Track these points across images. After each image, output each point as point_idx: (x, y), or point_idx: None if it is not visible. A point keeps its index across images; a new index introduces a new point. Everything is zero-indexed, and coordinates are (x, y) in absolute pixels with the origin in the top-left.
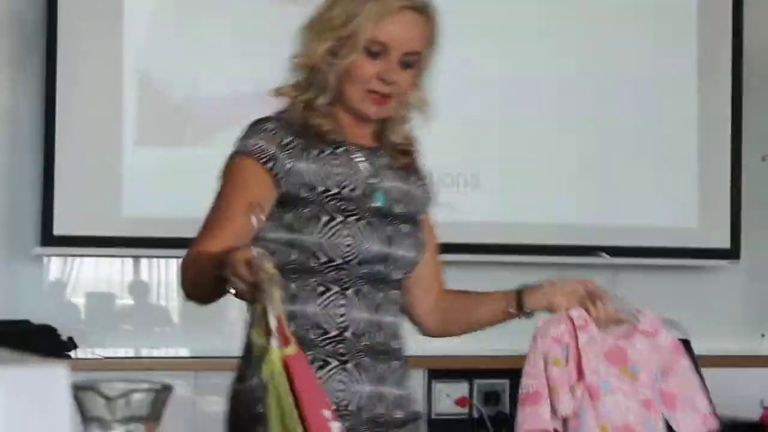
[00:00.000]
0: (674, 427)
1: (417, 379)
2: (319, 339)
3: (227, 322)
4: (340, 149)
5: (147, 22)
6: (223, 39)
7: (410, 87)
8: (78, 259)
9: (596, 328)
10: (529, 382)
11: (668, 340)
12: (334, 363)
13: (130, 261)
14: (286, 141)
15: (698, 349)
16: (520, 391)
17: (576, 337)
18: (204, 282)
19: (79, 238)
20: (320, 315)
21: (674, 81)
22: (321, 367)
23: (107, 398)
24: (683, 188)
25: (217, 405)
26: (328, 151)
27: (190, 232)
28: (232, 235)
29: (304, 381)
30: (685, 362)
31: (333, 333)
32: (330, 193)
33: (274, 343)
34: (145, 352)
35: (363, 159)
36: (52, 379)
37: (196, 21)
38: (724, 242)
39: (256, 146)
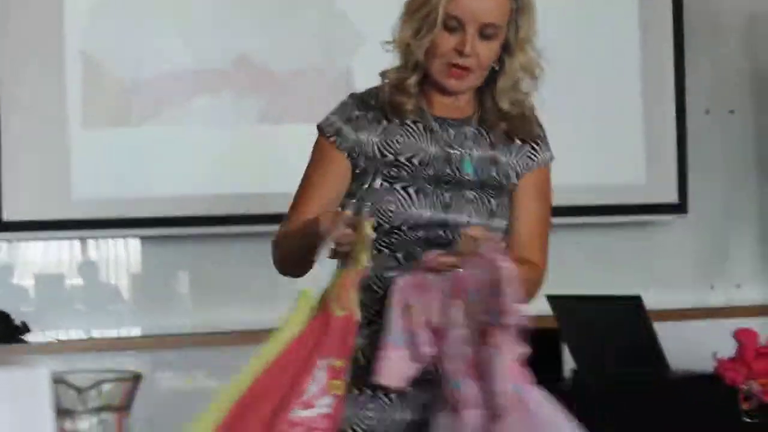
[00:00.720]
0: None
1: None
2: (369, 299)
3: (178, 299)
4: (416, 122)
5: (88, 3)
6: (165, 18)
7: (491, 58)
8: (25, 242)
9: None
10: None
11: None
12: (381, 322)
13: (77, 242)
14: (354, 114)
15: (649, 303)
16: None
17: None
18: (297, 254)
19: (29, 223)
20: (371, 277)
21: (616, 38)
22: (368, 325)
23: (78, 390)
24: (629, 145)
25: (172, 381)
26: (396, 122)
27: (142, 212)
28: (315, 211)
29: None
30: (506, 270)
31: (380, 293)
32: (385, 160)
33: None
34: (96, 333)
35: (442, 130)
36: (34, 380)
37: (137, 0)
38: (671, 197)
39: (327, 121)
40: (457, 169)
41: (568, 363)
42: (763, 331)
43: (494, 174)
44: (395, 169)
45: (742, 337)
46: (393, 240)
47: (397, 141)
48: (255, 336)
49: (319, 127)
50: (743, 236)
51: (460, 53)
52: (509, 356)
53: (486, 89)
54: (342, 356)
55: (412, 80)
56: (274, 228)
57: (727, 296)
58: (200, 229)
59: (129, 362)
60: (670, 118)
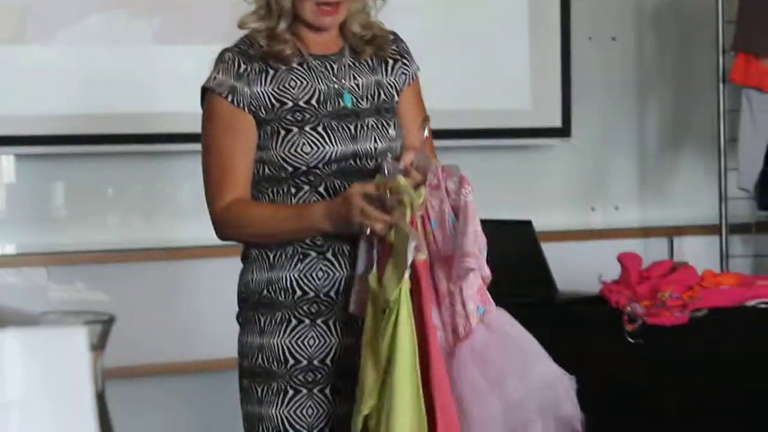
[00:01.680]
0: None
1: None
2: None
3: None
4: (300, 65)
5: None
6: None
7: None
8: None
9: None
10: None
11: (454, 184)
12: (313, 254)
13: None
14: (242, 69)
15: (535, 225)
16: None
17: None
18: (286, 237)
19: None
20: None
21: None
22: (301, 259)
23: None
24: (514, 70)
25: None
26: (283, 69)
27: (35, 130)
28: (241, 185)
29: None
30: (469, 197)
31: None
32: (286, 107)
33: (406, 274)
34: None
35: (324, 67)
36: (71, 340)
37: None
38: (555, 121)
39: (216, 80)
40: (341, 99)
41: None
42: (642, 252)
43: (384, 97)
44: (298, 113)
45: (625, 260)
46: (311, 178)
47: (290, 86)
48: (127, 255)
49: (209, 89)
50: (622, 160)
51: None
52: (475, 281)
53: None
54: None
55: (282, 26)
56: (158, 148)
57: (606, 218)
58: (85, 147)
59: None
60: (555, 45)
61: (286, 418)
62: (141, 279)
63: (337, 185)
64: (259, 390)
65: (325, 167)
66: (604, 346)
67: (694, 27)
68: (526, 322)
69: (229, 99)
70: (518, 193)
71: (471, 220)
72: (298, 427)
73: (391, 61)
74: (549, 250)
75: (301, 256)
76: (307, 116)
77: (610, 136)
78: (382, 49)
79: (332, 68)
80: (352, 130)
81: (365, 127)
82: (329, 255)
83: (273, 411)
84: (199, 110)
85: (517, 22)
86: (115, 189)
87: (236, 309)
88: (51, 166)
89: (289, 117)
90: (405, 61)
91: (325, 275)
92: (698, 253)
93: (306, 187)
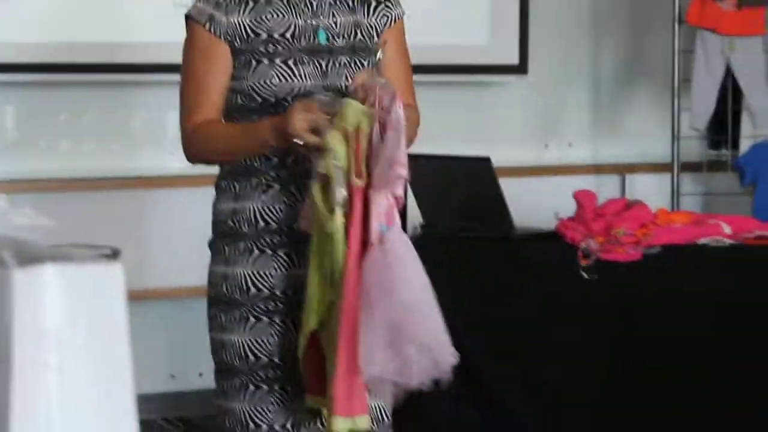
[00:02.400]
0: None
1: None
2: (262, 165)
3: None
4: None
5: None
6: None
7: None
8: None
9: None
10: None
11: (387, 103)
12: (277, 187)
13: None
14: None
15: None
16: None
17: None
18: (238, 154)
19: None
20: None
21: None
22: (264, 191)
23: None
24: (473, 6)
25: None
26: (262, 1)
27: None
28: (211, 106)
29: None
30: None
31: (274, 161)
32: (260, 38)
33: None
34: None
35: (303, 3)
36: (109, 277)
37: None
38: (512, 58)
39: (196, 9)
40: (316, 37)
41: (412, 219)
42: (595, 189)
43: (360, 37)
44: (272, 46)
45: (581, 197)
46: (279, 111)
47: (266, 18)
48: (80, 183)
49: (190, 16)
50: (577, 98)
51: None
52: (385, 198)
53: None
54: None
55: None
56: (129, 78)
57: (560, 155)
58: (62, 76)
59: None
60: None
61: (247, 344)
62: (105, 207)
63: None
64: (223, 317)
65: (293, 101)
66: (559, 281)
67: None
68: (483, 257)
69: (207, 27)
70: (473, 129)
71: (403, 135)
72: (257, 353)
73: (374, 3)
74: (504, 186)
75: (264, 188)
76: (280, 49)
77: (564, 74)
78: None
79: (311, 4)
80: (323, 67)
81: (337, 64)
82: (292, 188)
83: (235, 337)
84: (153, 41)
85: None
86: (69, 117)
87: (186, 240)
88: (3, 94)
89: (261, 48)
90: (389, 3)
91: (288, 208)
92: (650, 191)
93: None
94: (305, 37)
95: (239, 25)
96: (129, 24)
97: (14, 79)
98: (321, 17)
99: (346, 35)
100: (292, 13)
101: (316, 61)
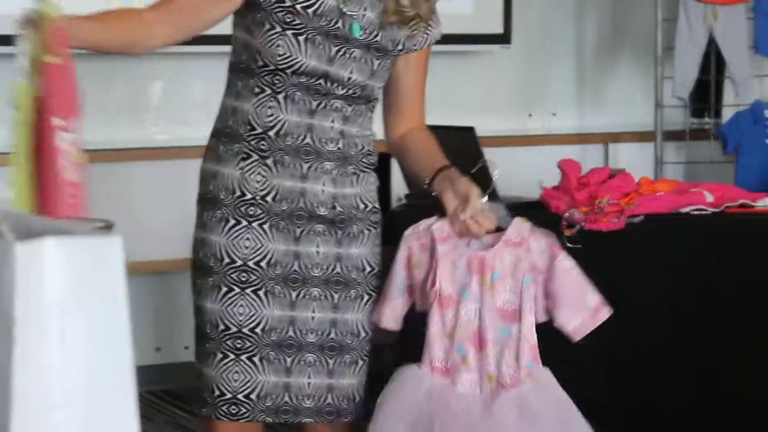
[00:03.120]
0: (559, 325)
1: None
2: (246, 134)
3: None
4: None
5: None
6: None
7: None
8: None
9: (460, 238)
10: (385, 282)
11: (542, 245)
12: (255, 157)
13: None
14: None
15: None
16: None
17: (435, 249)
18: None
19: None
20: (252, 113)
21: None
22: (244, 159)
23: None
24: None
25: None
26: None
27: None
28: (176, 10)
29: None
30: (565, 263)
31: (258, 130)
32: (283, 5)
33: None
34: None
35: None
36: (108, 249)
37: None
38: (496, 28)
39: None
40: (348, 26)
41: (397, 191)
42: (578, 158)
43: (380, 39)
44: (290, 16)
45: (565, 167)
46: (276, 81)
47: None
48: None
49: None
50: (560, 67)
51: None
52: (531, 339)
53: None
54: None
55: None
56: None
57: (544, 124)
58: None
59: None
60: None
61: (218, 313)
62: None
63: (296, 98)
64: (199, 282)
65: (293, 75)
66: None
67: None
68: (496, 194)
69: None
70: (457, 99)
71: (574, 287)
72: (227, 323)
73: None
74: (488, 155)
75: (244, 156)
76: (296, 21)
77: (548, 44)
78: (412, 30)
79: None
80: (332, 52)
81: (347, 55)
82: (269, 161)
83: (207, 304)
84: None
85: None
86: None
87: (170, 213)
88: None
89: (279, 14)
90: (430, 23)
91: (263, 179)
92: (633, 159)
93: (268, 90)
94: (328, 18)
95: None
96: None
97: None
98: (350, 4)
99: (369, 32)
100: None
101: (327, 45)
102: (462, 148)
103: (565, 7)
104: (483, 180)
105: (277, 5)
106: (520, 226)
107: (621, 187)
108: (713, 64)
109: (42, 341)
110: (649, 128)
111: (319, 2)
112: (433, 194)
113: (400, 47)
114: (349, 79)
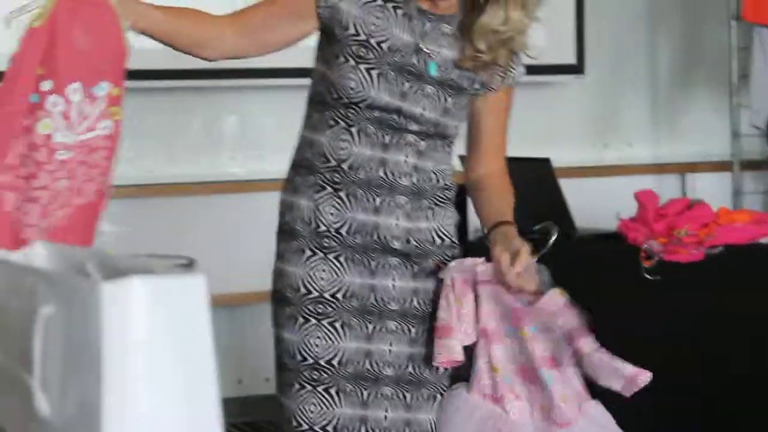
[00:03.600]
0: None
1: None
2: (321, 166)
3: None
4: (397, 7)
5: None
6: None
7: None
8: None
9: (501, 287)
10: (441, 315)
11: (569, 327)
12: (329, 189)
13: None
14: None
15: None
16: (435, 323)
17: (477, 287)
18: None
19: None
20: (326, 145)
21: None
22: (318, 191)
23: None
24: None
25: None
26: (379, 2)
27: None
28: (245, 17)
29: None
30: (588, 349)
31: (332, 163)
32: (357, 38)
33: None
34: None
35: (421, 21)
36: (193, 288)
37: None
38: (569, 58)
39: None
40: (424, 63)
41: (474, 223)
42: (655, 188)
43: (455, 77)
44: (364, 50)
45: (642, 198)
46: (349, 114)
47: (373, 22)
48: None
49: None
50: (635, 97)
51: None
52: (575, 384)
53: (473, 7)
54: (119, 83)
55: None
56: (187, 83)
57: (619, 154)
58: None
59: None
60: None
61: (296, 343)
62: (168, 213)
63: (370, 131)
64: (278, 313)
65: (367, 110)
66: (622, 283)
67: None
68: (545, 259)
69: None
70: (532, 130)
71: (602, 368)
72: (305, 354)
73: (482, 74)
74: (563, 186)
75: (318, 188)
76: (370, 56)
77: (622, 73)
78: (486, 69)
79: (427, 26)
80: (405, 88)
81: (419, 92)
82: (342, 194)
83: (286, 335)
84: None
85: None
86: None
87: (251, 245)
88: None
89: (353, 48)
90: (509, 65)
91: (337, 212)
92: (710, 190)
93: (342, 123)
94: (404, 55)
95: (345, 13)
96: None
97: None
98: (428, 41)
99: (444, 69)
100: (401, 26)
101: (399, 81)
102: (538, 179)
103: (638, 36)
104: (540, 240)
105: (351, 38)
106: (556, 298)
107: (699, 218)
108: None
109: (129, 379)
110: (727, 158)
111: (394, 37)
112: (487, 243)
113: (477, 86)
114: (422, 115)
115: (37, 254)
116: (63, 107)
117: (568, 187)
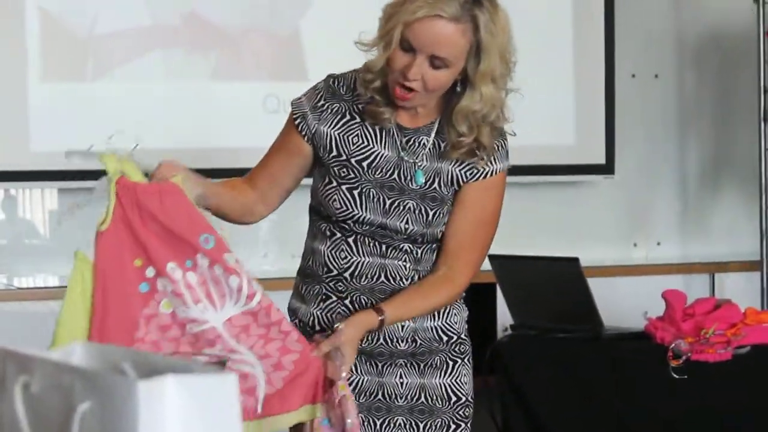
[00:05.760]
0: None
1: None
2: (324, 275)
3: None
4: (376, 125)
5: None
6: None
7: (440, 85)
8: None
9: None
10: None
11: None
12: (334, 298)
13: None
14: (320, 103)
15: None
16: None
17: None
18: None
19: None
20: (327, 254)
21: (551, 7)
22: (323, 300)
23: None
24: (559, 107)
25: None
26: (357, 121)
27: (97, 164)
28: (266, 176)
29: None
30: None
31: (334, 272)
32: (339, 159)
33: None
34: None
35: (398, 135)
36: (224, 386)
37: None
38: (599, 158)
39: (299, 101)
40: (408, 177)
41: (502, 321)
42: (683, 287)
43: (436, 185)
44: (345, 170)
45: (670, 297)
46: (344, 227)
47: (353, 141)
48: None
49: (292, 103)
50: (664, 196)
51: (405, 76)
52: None
53: (450, 101)
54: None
55: (377, 84)
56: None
57: (648, 253)
58: None
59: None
60: (599, 82)
61: None
62: None
63: (367, 241)
64: None
65: (356, 224)
66: (650, 381)
67: (735, 65)
68: (574, 358)
69: (296, 122)
70: (562, 229)
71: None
72: None
73: (467, 157)
74: (592, 285)
75: (324, 297)
76: (351, 175)
77: (651, 173)
78: (472, 156)
79: (403, 139)
80: (386, 205)
81: (401, 206)
82: (347, 302)
83: None
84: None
85: (563, 59)
86: None
87: None
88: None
89: (335, 169)
90: (491, 159)
91: (344, 319)
92: (739, 289)
93: (338, 234)
94: (386, 170)
95: (326, 136)
96: (218, 129)
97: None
98: (410, 154)
99: (428, 178)
100: (381, 142)
101: (382, 197)
102: (566, 278)
103: (667, 137)
104: None
105: (334, 159)
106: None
107: (727, 318)
108: None
109: None
110: (755, 257)
111: (374, 155)
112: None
113: (451, 185)
114: (406, 229)
115: (76, 353)
116: (171, 287)
117: (598, 285)
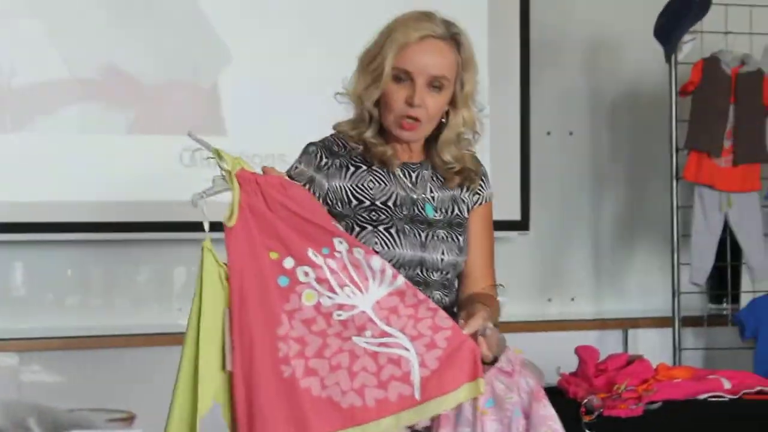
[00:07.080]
0: None
1: None
2: None
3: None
4: (381, 168)
5: None
6: (36, 27)
7: (439, 110)
8: None
9: None
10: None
11: (530, 385)
12: None
13: None
14: (323, 163)
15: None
16: None
17: None
18: None
19: None
20: None
21: None
22: None
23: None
24: None
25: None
26: (363, 168)
27: (19, 216)
28: None
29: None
30: (544, 411)
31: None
32: (363, 205)
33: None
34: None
35: (405, 174)
36: None
37: (8, 10)
38: (514, 214)
39: (296, 170)
40: (422, 209)
41: None
42: (597, 343)
43: (457, 212)
44: (374, 213)
45: (583, 353)
46: None
47: (368, 186)
48: (87, 341)
49: (291, 177)
50: (578, 253)
51: (410, 104)
52: None
53: (431, 142)
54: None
55: (369, 133)
56: (137, 236)
57: (562, 309)
58: (73, 235)
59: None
60: (514, 139)
61: None
62: (113, 364)
63: None
64: None
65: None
66: None
67: (649, 124)
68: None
69: (307, 188)
70: None
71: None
72: None
73: (466, 182)
74: (509, 340)
75: None
76: (383, 216)
77: (566, 229)
78: (471, 180)
79: (410, 176)
80: (423, 238)
81: (435, 238)
82: None
83: None
84: (160, 200)
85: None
86: (75, 273)
87: None
88: (10, 251)
89: (364, 215)
90: (481, 183)
91: None
92: (652, 345)
93: None
94: (407, 207)
95: (341, 189)
96: (136, 183)
97: (21, 238)
98: (419, 190)
99: (444, 209)
100: (392, 183)
101: (416, 232)
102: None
103: (581, 194)
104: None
105: (359, 207)
106: (513, 356)
107: (639, 374)
108: (729, 250)
109: None
110: (668, 314)
111: (394, 194)
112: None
113: (466, 211)
114: (442, 260)
115: None
116: (315, 273)
117: (512, 341)
